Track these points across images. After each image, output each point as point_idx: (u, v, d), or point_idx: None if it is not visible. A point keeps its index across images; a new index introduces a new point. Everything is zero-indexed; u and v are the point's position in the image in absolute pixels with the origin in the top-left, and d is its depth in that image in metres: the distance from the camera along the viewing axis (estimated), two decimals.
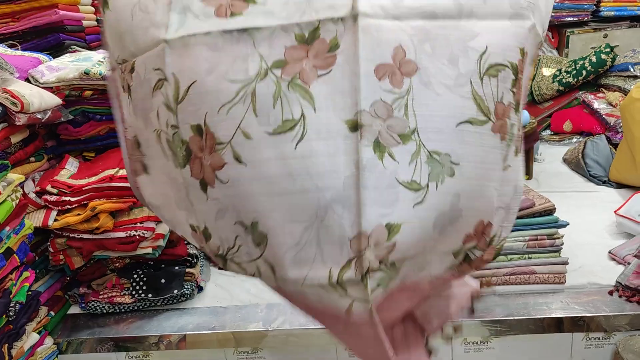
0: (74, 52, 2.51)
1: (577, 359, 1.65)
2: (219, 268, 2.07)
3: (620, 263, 1.84)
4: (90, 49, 2.70)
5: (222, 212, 0.95)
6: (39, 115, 1.81)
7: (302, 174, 0.90)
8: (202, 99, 0.91)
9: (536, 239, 1.76)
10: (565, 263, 1.76)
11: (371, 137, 0.88)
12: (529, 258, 1.75)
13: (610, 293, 1.69)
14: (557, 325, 1.64)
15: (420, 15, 0.91)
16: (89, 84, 1.99)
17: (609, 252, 1.90)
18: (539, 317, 1.64)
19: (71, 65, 2.10)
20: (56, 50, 2.45)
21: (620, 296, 1.67)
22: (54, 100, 1.89)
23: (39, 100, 1.80)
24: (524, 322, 1.64)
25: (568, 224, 1.79)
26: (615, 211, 2.07)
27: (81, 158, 2.09)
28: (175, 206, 1.05)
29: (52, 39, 2.45)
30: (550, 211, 1.79)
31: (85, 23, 2.71)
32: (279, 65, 0.90)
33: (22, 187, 1.75)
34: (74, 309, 1.88)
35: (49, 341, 1.68)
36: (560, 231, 1.79)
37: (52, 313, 1.75)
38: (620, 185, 2.42)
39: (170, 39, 0.91)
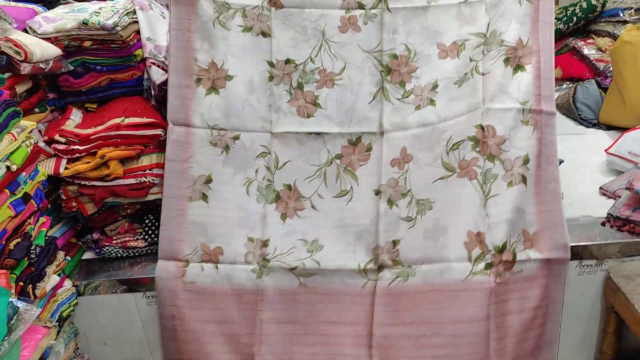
0: (66, 3, 2.48)
1: (571, 285, 1.75)
2: None
3: (610, 197, 1.93)
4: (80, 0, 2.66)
5: (291, 233, 1.75)
6: (42, 65, 1.82)
7: (349, 217, 1.75)
8: (294, 171, 1.78)
9: None
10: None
11: (385, 197, 1.74)
12: None
13: (603, 224, 1.79)
14: None
15: (416, 125, 1.75)
16: (87, 34, 1.98)
17: (600, 188, 2.00)
18: None
19: (67, 16, 2.08)
20: (48, 1, 2.42)
21: (611, 226, 1.77)
22: (55, 50, 1.89)
23: (40, 49, 1.80)
24: None
25: (563, 161, 1.86)
26: (605, 150, 2.15)
27: (83, 110, 2.10)
28: (234, 224, 1.76)
29: None
30: None
31: None
32: (338, 157, 1.78)
33: None
34: (88, 255, 1.93)
35: (68, 283, 1.74)
36: None
37: (69, 258, 1.80)
38: (609, 127, 2.50)
39: (275, 132, 1.79)
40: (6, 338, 1.22)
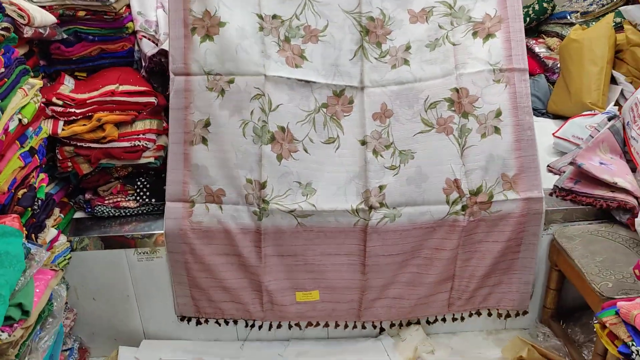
0: None
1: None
2: None
3: (556, 173, 2.19)
4: None
5: (287, 174, 1.88)
6: (41, 30, 1.90)
7: (338, 164, 1.92)
8: (287, 114, 1.92)
9: None
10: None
11: (371, 147, 1.93)
12: None
13: (550, 194, 2.04)
14: None
15: (394, 83, 1.97)
16: (82, 4, 2.06)
17: (548, 166, 2.26)
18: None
19: None
20: None
21: (557, 196, 2.02)
22: (51, 17, 1.97)
23: (40, 15, 1.88)
24: None
25: None
26: (553, 134, 2.42)
27: (73, 77, 2.18)
28: (234, 166, 1.88)
29: None
30: None
31: None
32: (324, 106, 1.96)
33: None
34: (78, 215, 2.03)
35: (62, 238, 1.83)
36: None
37: (62, 215, 1.89)
38: (555, 117, 2.77)
39: (268, 75, 1.92)
40: (24, 272, 1.33)
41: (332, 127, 1.95)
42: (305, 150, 1.92)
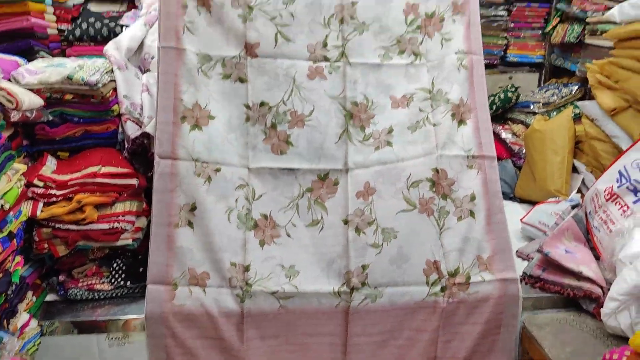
0: (42, 57, 2.61)
1: None
2: None
3: (525, 259, 2.27)
4: (52, 55, 2.81)
5: (269, 259, 1.93)
6: (28, 114, 1.95)
7: (321, 245, 1.98)
8: (270, 202, 1.99)
9: None
10: None
11: (353, 225, 1.99)
12: None
13: (520, 281, 2.09)
14: None
15: (377, 163, 2.05)
16: (70, 88, 2.13)
17: (517, 251, 2.34)
18: None
19: (48, 69, 2.23)
20: (24, 55, 2.54)
21: (526, 284, 2.09)
22: (38, 100, 2.03)
23: (28, 99, 1.94)
24: None
25: None
26: (521, 219, 2.52)
27: (55, 157, 2.21)
28: (218, 250, 1.91)
29: (23, 44, 2.54)
30: None
31: (49, 31, 2.82)
32: (309, 190, 2.03)
33: None
34: (51, 297, 1.99)
35: (33, 323, 1.79)
36: None
37: (34, 298, 1.86)
38: (523, 201, 2.90)
39: (252, 167, 2.01)
40: None
41: (317, 210, 2.01)
42: (288, 235, 1.96)
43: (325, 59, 2.11)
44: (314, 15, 2.11)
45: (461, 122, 2.10)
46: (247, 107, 2.05)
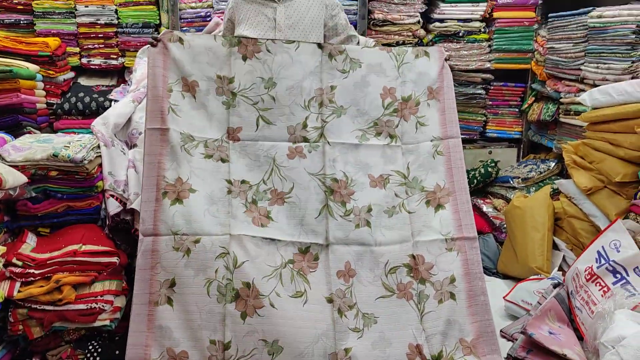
0: (29, 132, 2.65)
1: None
2: None
3: (509, 340, 2.25)
4: (40, 129, 2.85)
5: (252, 333, 1.86)
6: (11, 192, 1.96)
7: (306, 319, 1.91)
8: (252, 270, 1.94)
9: None
10: None
11: (336, 306, 1.96)
12: None
13: None
14: None
15: (357, 243, 2.07)
16: (55, 165, 2.16)
17: (501, 331, 2.32)
18: None
19: (34, 145, 2.26)
20: (12, 129, 2.58)
21: None
22: (22, 178, 2.05)
23: (12, 178, 1.96)
24: None
25: None
26: (504, 297, 2.52)
27: (36, 233, 2.19)
28: (198, 327, 1.86)
29: (11, 120, 2.59)
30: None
31: (38, 105, 2.87)
32: (291, 262, 2.02)
33: None
34: None
35: None
36: None
37: None
38: (505, 276, 2.91)
39: (233, 234, 1.98)
40: None
41: (299, 282, 1.99)
42: (272, 305, 1.90)
43: (305, 139, 2.17)
44: (295, 97, 2.19)
45: (439, 206, 2.14)
46: (229, 182, 2.08)
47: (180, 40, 2.14)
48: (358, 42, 2.62)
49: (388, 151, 2.22)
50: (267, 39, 2.22)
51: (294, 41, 2.24)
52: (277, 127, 2.15)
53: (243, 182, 2.10)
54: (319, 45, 2.25)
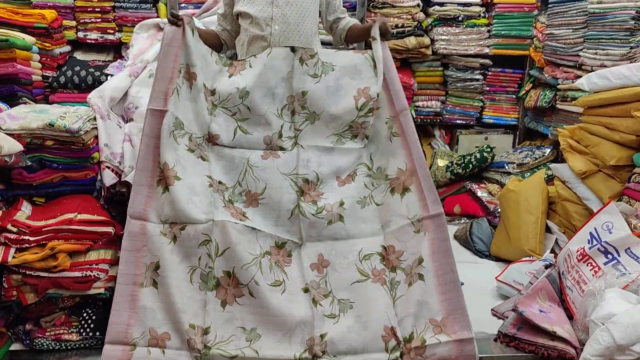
0: (24, 103, 2.63)
1: None
2: None
3: (500, 318, 2.27)
4: (35, 102, 2.83)
5: (231, 320, 1.89)
6: (6, 158, 1.94)
7: (285, 307, 1.93)
8: (233, 258, 1.95)
9: None
10: None
11: (311, 296, 1.99)
12: None
13: (495, 340, 2.10)
14: None
15: (330, 238, 2.10)
16: (51, 134, 2.14)
17: (492, 310, 2.34)
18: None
19: (30, 115, 2.24)
20: (8, 100, 2.56)
21: (501, 342, 2.08)
22: (18, 146, 2.03)
23: (8, 144, 1.94)
24: None
25: (463, 284, 2.19)
26: (496, 277, 2.54)
27: (31, 203, 2.18)
28: (178, 310, 1.87)
29: (6, 90, 2.57)
30: None
31: (34, 77, 2.85)
32: (268, 253, 2.04)
33: None
34: (16, 346, 1.92)
35: None
36: None
37: None
38: (498, 259, 2.93)
39: (216, 220, 1.97)
40: None
41: (278, 272, 2.01)
42: (251, 294, 1.93)
43: (281, 148, 2.18)
44: (269, 106, 2.19)
45: (404, 190, 2.12)
46: (210, 177, 2.09)
47: (193, 30, 2.15)
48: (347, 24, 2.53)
49: (363, 152, 2.22)
50: (252, 56, 2.24)
51: (271, 51, 2.22)
52: (254, 137, 2.17)
53: (220, 182, 2.12)
54: (292, 49, 2.22)
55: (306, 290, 2.00)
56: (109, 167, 2.27)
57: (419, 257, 2.03)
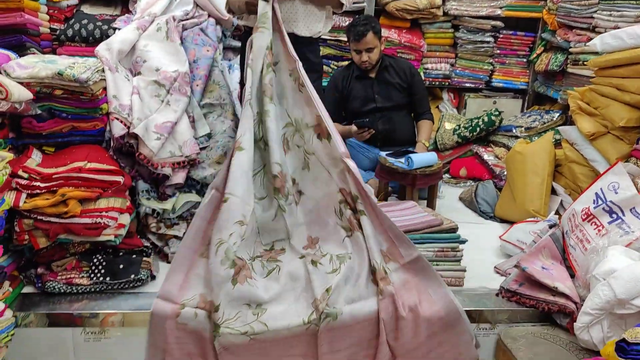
0: (33, 53, 2.62)
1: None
2: (167, 262, 2.27)
3: (502, 275, 2.30)
4: (43, 53, 2.81)
5: (238, 299, 1.86)
6: (17, 105, 1.95)
7: (284, 284, 1.96)
8: (246, 248, 2.01)
9: (442, 250, 2.18)
10: (464, 270, 2.20)
11: (309, 259, 2.03)
12: (437, 264, 2.16)
13: (497, 295, 2.13)
14: None
15: (304, 215, 2.15)
16: (60, 83, 2.14)
17: (495, 267, 2.38)
18: None
19: (38, 65, 2.24)
20: (16, 50, 2.55)
21: (503, 297, 2.12)
22: (28, 94, 2.04)
23: (17, 91, 1.95)
24: None
25: (467, 240, 2.23)
26: (500, 237, 2.56)
27: (41, 151, 2.20)
28: (197, 284, 1.90)
29: (15, 40, 2.55)
30: (454, 229, 2.23)
31: (41, 29, 2.83)
32: (259, 257, 2.06)
33: None
34: (27, 289, 1.97)
35: (8, 313, 1.77)
36: (460, 247, 2.22)
37: (11, 289, 1.84)
38: (502, 221, 2.95)
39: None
40: None
41: (271, 264, 2.04)
42: (260, 277, 1.97)
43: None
44: None
45: (328, 135, 2.14)
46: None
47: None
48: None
49: (282, 112, 2.23)
50: None
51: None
52: None
53: None
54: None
55: (302, 257, 2.05)
56: (117, 119, 2.28)
57: (353, 195, 2.08)
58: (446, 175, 3.61)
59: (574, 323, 1.85)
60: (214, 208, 2.00)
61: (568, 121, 3.44)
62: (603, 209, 2.16)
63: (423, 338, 1.93)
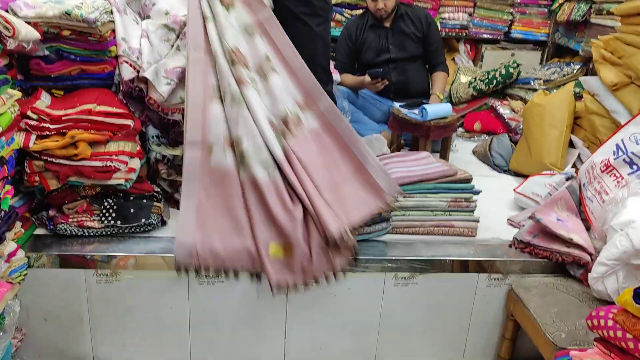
0: None
1: (480, 294, 2.04)
2: (177, 208, 2.26)
3: (516, 227, 2.28)
4: None
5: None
6: (24, 44, 1.91)
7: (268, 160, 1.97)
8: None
9: (456, 201, 2.15)
10: (477, 221, 2.17)
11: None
12: (450, 215, 2.14)
13: (510, 246, 2.11)
14: (468, 267, 2.02)
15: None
16: (67, 24, 2.08)
17: (508, 219, 2.35)
18: (455, 259, 2.01)
19: (46, 5, 2.18)
20: None
21: (516, 248, 2.10)
22: (35, 33, 1.98)
23: (25, 30, 1.90)
24: (443, 263, 2.01)
25: (481, 191, 2.19)
26: (514, 189, 2.52)
27: (50, 94, 2.17)
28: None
29: None
30: (468, 180, 2.19)
31: None
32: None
33: None
34: (40, 231, 1.98)
35: (21, 253, 1.77)
36: (473, 198, 2.19)
37: (23, 230, 1.84)
38: (517, 174, 2.90)
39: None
40: None
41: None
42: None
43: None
44: None
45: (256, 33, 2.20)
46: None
47: None
48: None
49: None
50: None
51: None
52: None
53: None
54: None
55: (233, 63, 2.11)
56: (126, 62, 2.22)
57: (266, 56, 2.14)
58: (460, 129, 3.54)
59: (589, 274, 1.83)
60: (205, 64, 2.13)
61: (589, 73, 3.33)
62: (624, 160, 2.10)
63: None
